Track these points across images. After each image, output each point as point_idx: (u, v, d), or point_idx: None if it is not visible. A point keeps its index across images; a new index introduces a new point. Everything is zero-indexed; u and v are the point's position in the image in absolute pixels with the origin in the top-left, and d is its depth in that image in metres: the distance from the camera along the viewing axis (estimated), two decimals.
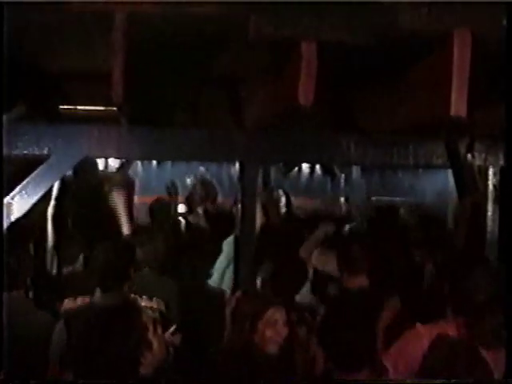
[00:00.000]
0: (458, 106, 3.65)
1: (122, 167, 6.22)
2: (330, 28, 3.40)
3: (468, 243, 5.39)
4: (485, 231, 4.93)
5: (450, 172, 5.57)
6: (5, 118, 3.89)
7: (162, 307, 4.45)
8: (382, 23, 3.37)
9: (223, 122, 4.84)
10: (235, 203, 7.24)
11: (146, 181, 8.08)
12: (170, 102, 4.81)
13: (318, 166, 8.70)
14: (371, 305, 4.29)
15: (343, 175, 8.47)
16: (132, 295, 4.28)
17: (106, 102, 4.69)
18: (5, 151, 4.02)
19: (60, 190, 5.20)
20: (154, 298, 4.45)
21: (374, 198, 8.04)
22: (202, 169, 8.18)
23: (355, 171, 8.53)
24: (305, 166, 8.65)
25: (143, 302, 4.40)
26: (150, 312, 4.29)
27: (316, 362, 4.18)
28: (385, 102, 4.44)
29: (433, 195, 7.75)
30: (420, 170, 8.00)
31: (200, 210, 6.36)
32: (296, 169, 8.51)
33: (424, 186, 8.06)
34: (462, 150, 4.60)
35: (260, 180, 5.39)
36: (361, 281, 4.51)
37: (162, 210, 6.35)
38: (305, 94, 3.48)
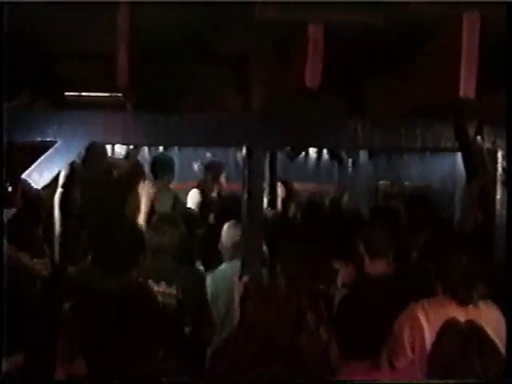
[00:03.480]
0: (467, 87, 3.62)
1: (130, 154, 6.21)
2: (339, 9, 3.37)
3: (476, 226, 5.37)
4: (493, 214, 4.89)
5: (457, 156, 5.55)
6: (7, 105, 3.86)
7: (180, 294, 4.47)
8: (392, 5, 3.33)
9: (229, 106, 4.80)
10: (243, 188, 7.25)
11: None
12: (175, 87, 4.78)
13: (325, 151, 8.67)
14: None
15: (350, 160, 8.44)
16: (145, 280, 4.28)
17: (112, 88, 4.68)
18: (9, 138, 4.01)
19: (67, 177, 5.18)
20: (173, 285, 4.46)
21: (381, 182, 8.00)
22: (208, 155, 8.16)
23: (362, 156, 8.50)
24: (312, 151, 8.62)
25: (160, 288, 4.41)
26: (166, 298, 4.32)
27: (326, 350, 4.15)
28: (393, 85, 4.40)
29: (440, 179, 7.72)
30: (427, 154, 7.96)
31: (214, 194, 6.37)
32: (303, 154, 8.49)
33: (431, 170, 8.02)
34: (471, 132, 4.55)
35: (267, 165, 5.36)
36: (383, 266, 4.47)
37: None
38: (312, 76, 3.45)
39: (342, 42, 3.66)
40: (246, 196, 4.63)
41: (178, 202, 6.26)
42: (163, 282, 4.44)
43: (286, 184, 6.99)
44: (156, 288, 4.39)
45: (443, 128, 4.82)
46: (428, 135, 4.87)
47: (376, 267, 4.48)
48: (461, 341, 2.94)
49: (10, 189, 4.14)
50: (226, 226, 5.21)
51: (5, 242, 3.83)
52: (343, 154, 8.16)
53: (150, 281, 4.40)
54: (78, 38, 4.19)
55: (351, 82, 4.65)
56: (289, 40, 3.69)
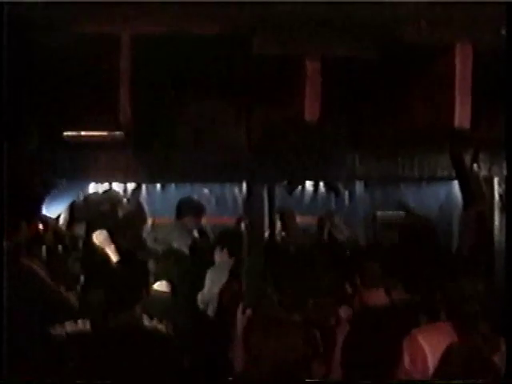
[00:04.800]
0: (462, 117, 3.69)
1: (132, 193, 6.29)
2: (334, 44, 3.45)
3: (474, 253, 5.42)
4: (492, 241, 4.95)
5: (452, 184, 5.61)
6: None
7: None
8: (386, 36, 3.42)
9: (229, 142, 4.85)
10: (239, 221, 7.30)
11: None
12: (175, 124, 4.83)
13: (321, 184, 8.69)
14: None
15: (347, 191, 8.47)
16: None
17: (112, 127, 4.73)
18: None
19: (70, 215, 5.23)
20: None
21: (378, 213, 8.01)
22: (205, 190, 8.18)
23: (358, 187, 8.54)
24: (308, 184, 8.64)
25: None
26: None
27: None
28: (390, 115, 4.47)
29: (437, 208, 7.76)
30: (423, 183, 8.02)
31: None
32: (299, 187, 8.50)
33: (428, 199, 8.06)
34: (468, 160, 4.62)
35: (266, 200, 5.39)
36: (380, 297, 4.48)
37: None
38: (311, 109, 3.52)
39: (338, 75, 3.74)
40: (246, 229, 4.69)
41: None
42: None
43: (284, 216, 7.00)
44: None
45: (439, 157, 4.90)
46: (425, 164, 4.95)
47: (373, 298, 4.49)
48: (463, 365, 2.97)
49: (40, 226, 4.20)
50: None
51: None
52: (340, 186, 8.19)
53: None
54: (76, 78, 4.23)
55: (348, 115, 4.71)
56: (287, 75, 3.76)
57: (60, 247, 4.55)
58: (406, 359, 3.72)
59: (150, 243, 5.74)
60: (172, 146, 4.87)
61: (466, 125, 3.59)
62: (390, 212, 8.02)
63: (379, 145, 4.82)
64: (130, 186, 7.49)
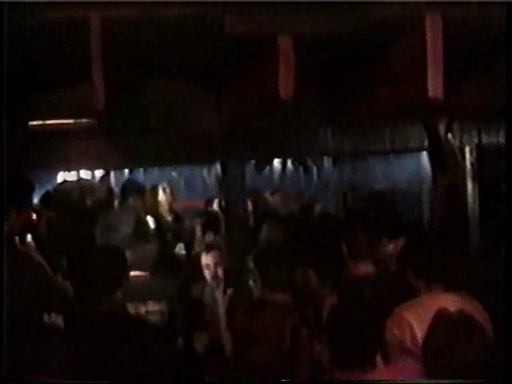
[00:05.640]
0: (435, 87, 3.71)
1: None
2: (306, 21, 3.44)
3: (448, 223, 5.48)
4: (466, 208, 5.02)
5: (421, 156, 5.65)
6: None
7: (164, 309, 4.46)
8: (356, 10, 3.42)
9: (202, 122, 4.81)
10: (208, 203, 7.30)
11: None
12: (147, 106, 4.77)
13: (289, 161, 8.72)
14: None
15: (315, 167, 8.51)
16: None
17: (84, 114, 4.67)
18: None
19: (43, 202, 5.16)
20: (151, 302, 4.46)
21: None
22: (173, 174, 8.16)
23: (326, 162, 8.59)
24: (276, 161, 8.66)
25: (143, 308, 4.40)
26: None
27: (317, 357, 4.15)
28: (363, 90, 4.48)
29: (405, 180, 7.83)
30: (391, 156, 8.08)
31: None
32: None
33: (396, 172, 8.12)
34: (441, 130, 4.66)
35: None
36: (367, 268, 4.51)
37: None
38: (285, 86, 3.51)
39: (310, 51, 3.72)
40: (223, 210, 4.69)
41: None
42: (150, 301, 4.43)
43: (256, 195, 7.01)
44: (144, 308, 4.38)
45: (411, 129, 4.94)
46: (396, 137, 4.98)
47: (360, 269, 4.52)
48: (452, 329, 3.00)
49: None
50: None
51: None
52: (309, 162, 8.23)
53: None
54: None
55: (322, 90, 4.71)
56: (259, 53, 3.73)
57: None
58: (397, 335, 3.74)
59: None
60: (144, 130, 4.84)
61: (440, 95, 3.60)
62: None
63: (352, 120, 4.83)
64: (99, 173, 7.45)
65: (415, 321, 3.70)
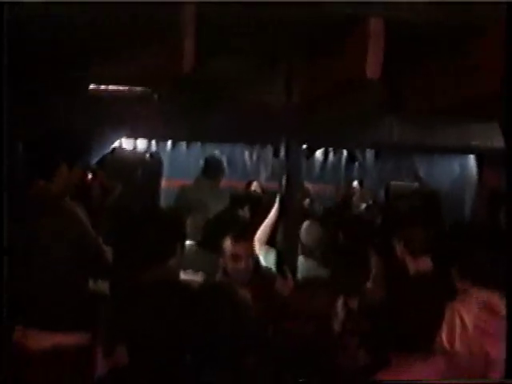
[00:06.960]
0: None
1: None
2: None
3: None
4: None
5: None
6: None
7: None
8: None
9: (269, 101, 4.71)
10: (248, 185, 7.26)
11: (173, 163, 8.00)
12: (214, 82, 4.68)
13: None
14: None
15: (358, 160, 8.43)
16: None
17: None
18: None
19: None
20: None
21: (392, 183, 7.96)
22: (216, 152, 8.09)
23: (369, 156, 8.52)
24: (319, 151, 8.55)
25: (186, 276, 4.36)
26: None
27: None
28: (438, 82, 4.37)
29: (450, 181, 7.75)
30: (435, 156, 7.99)
31: None
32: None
33: (440, 172, 8.04)
34: None
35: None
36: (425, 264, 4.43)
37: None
38: (373, 67, 3.43)
39: (399, 36, 3.63)
40: (283, 192, 4.61)
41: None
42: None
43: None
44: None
45: (477, 128, 4.83)
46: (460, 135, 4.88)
47: (418, 265, 4.44)
48: None
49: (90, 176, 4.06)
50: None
51: None
52: (357, 154, 8.13)
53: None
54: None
55: (398, 77, 4.59)
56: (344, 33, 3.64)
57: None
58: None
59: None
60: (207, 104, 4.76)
61: None
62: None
63: (419, 111, 4.71)
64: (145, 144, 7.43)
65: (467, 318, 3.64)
